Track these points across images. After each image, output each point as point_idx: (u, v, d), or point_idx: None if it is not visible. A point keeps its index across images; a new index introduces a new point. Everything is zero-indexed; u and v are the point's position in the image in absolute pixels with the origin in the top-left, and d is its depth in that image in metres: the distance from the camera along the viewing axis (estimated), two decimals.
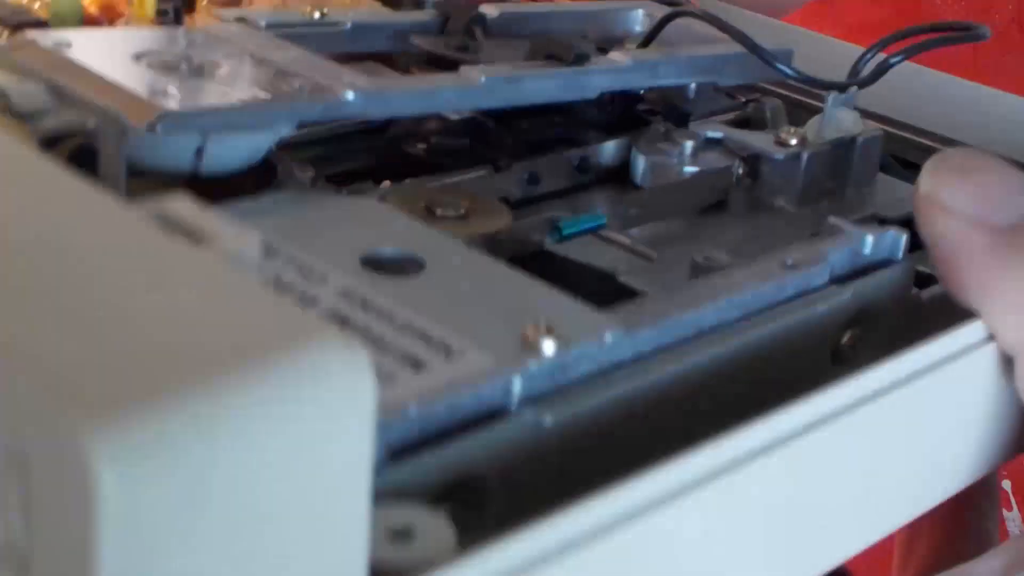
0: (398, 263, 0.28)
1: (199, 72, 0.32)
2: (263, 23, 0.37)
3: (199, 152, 0.30)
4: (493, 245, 0.32)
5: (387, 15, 0.43)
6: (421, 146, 0.39)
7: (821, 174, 0.39)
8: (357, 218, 0.30)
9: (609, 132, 0.41)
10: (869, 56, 0.41)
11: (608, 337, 0.26)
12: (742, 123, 0.43)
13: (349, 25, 0.40)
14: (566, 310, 0.27)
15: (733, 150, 0.40)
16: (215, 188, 0.29)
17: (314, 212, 0.30)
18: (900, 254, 0.33)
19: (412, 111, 0.36)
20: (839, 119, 0.40)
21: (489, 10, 0.42)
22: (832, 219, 0.33)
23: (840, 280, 0.32)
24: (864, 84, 0.41)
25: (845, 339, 0.32)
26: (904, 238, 0.33)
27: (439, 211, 0.32)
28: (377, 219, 0.30)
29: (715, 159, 0.40)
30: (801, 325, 0.30)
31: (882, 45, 0.41)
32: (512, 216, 0.34)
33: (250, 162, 0.31)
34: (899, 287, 0.33)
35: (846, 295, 0.31)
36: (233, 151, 0.31)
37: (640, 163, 0.39)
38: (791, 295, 0.31)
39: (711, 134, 0.40)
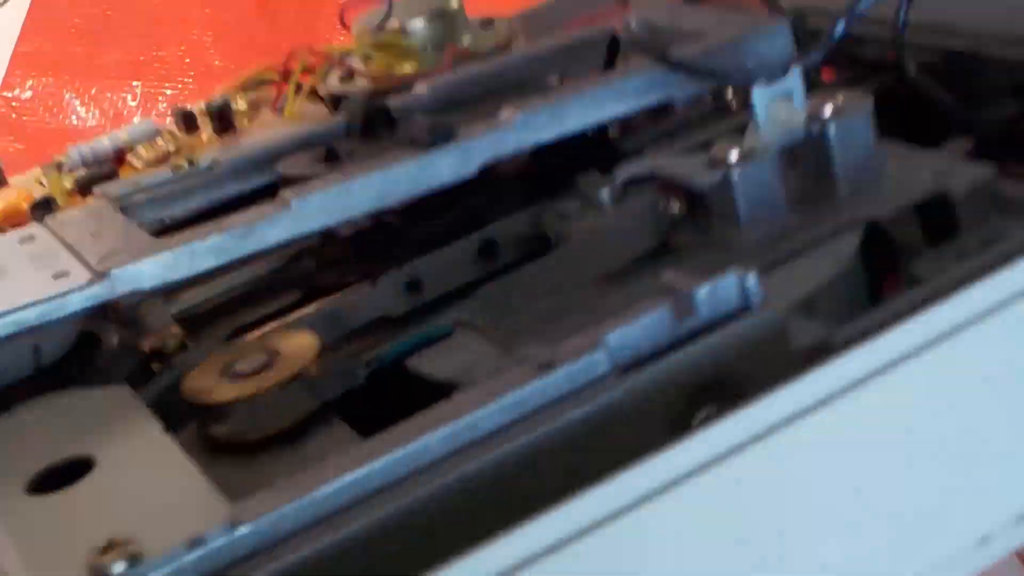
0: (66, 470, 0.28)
1: None
2: (116, 194, 0.38)
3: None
4: (303, 389, 0.31)
5: (264, 144, 0.43)
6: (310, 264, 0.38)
7: (771, 189, 0.33)
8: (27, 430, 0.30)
9: (529, 199, 0.38)
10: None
11: (213, 537, 0.24)
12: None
13: (221, 169, 0.40)
14: (187, 506, 0.26)
15: (665, 186, 0.34)
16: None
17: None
18: (752, 300, 0.27)
19: (175, 276, 0.34)
20: (778, 116, 0.33)
21: (398, 98, 0.40)
22: (665, 275, 0.28)
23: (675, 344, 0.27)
24: (811, 61, 0.34)
25: (699, 418, 0.27)
26: (752, 278, 0.27)
27: (238, 367, 0.31)
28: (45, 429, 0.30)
29: (640, 203, 0.35)
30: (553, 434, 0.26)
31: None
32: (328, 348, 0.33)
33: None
34: (760, 340, 0.27)
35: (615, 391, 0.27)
36: None
37: (552, 234, 0.36)
38: (551, 399, 0.27)
39: (631, 174, 0.35)
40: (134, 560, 0.23)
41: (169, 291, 0.38)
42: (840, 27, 0.34)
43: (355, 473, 0.25)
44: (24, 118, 1.07)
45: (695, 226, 0.33)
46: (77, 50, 1.01)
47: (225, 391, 0.31)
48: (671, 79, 0.35)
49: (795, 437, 0.25)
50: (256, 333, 0.35)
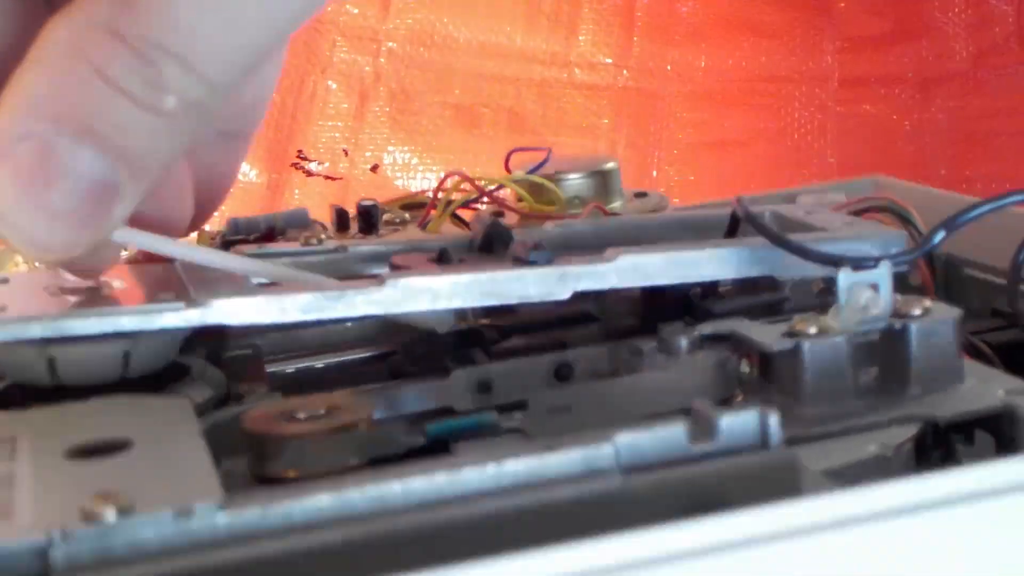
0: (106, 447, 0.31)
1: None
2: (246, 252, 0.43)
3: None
4: (353, 441, 0.32)
5: (389, 242, 0.46)
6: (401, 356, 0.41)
7: (838, 369, 0.34)
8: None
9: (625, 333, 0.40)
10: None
11: (201, 512, 0.26)
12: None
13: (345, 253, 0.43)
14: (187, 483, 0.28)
15: (740, 346, 0.36)
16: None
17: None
18: (773, 440, 0.28)
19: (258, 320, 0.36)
20: (858, 301, 0.35)
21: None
22: (696, 403, 0.29)
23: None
24: (901, 259, 0.36)
25: None
26: (774, 418, 0.28)
27: (299, 415, 0.33)
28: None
29: (711, 357, 0.36)
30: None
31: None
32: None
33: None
34: (770, 477, 0.28)
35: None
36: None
37: (623, 366, 0.38)
38: (544, 476, 0.28)
39: (713, 330, 0.37)
40: (124, 511, 0.26)
41: (274, 358, 0.42)
42: (939, 236, 0.36)
43: (337, 496, 0.27)
44: None
45: (762, 391, 0.35)
46: None
47: (279, 428, 0.33)
48: (766, 256, 0.38)
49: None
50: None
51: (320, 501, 0.27)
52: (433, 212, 0.51)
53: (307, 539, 0.26)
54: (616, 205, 0.53)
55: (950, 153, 1.12)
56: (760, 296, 0.41)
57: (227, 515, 0.26)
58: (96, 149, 0.33)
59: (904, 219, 0.44)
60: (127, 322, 0.35)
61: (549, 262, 0.37)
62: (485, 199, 0.52)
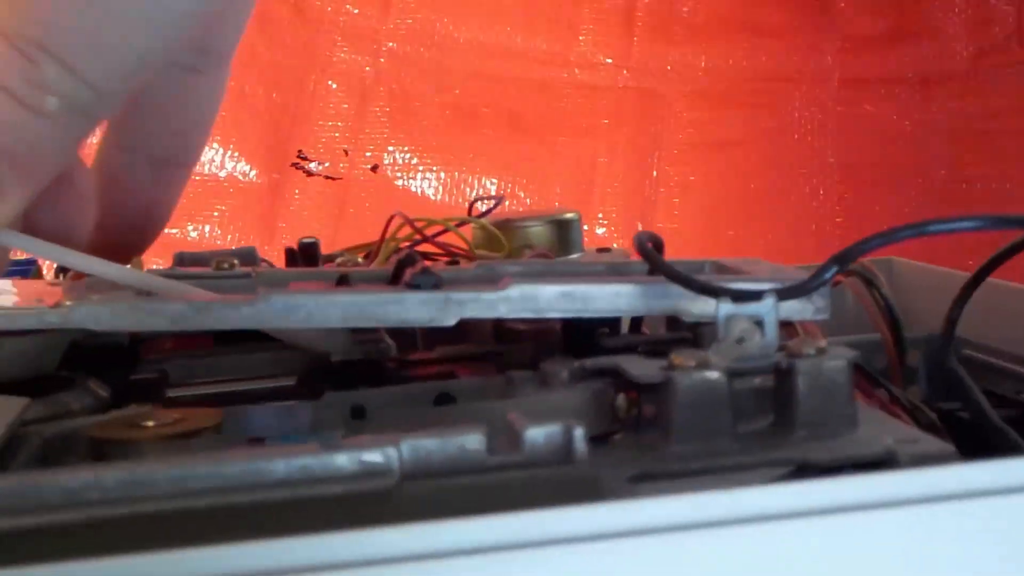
0: None
1: None
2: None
3: None
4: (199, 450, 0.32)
5: (300, 272, 0.45)
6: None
7: (713, 405, 0.32)
8: None
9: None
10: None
11: None
12: None
13: (253, 279, 0.42)
14: None
15: (619, 380, 0.34)
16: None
17: None
18: (578, 455, 0.28)
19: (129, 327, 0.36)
20: (733, 334, 0.33)
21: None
22: (512, 413, 0.29)
23: None
24: (790, 293, 0.34)
25: None
26: (580, 432, 0.28)
27: (148, 423, 0.33)
28: None
29: (587, 389, 0.35)
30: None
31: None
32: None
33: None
34: (568, 491, 0.27)
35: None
36: None
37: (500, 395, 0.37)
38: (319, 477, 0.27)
39: (595, 364, 0.35)
40: None
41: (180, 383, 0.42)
42: (830, 271, 0.34)
43: (90, 477, 0.27)
44: None
45: (635, 426, 0.33)
46: None
47: (122, 433, 0.33)
48: (659, 292, 0.36)
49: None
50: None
51: (75, 480, 0.26)
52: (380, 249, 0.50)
53: (56, 517, 0.26)
54: (574, 257, 0.51)
55: (950, 153, 1.12)
56: (659, 335, 0.39)
57: None
58: None
59: (868, 282, 0.41)
60: None
61: (435, 287, 0.36)
62: (432, 241, 0.50)
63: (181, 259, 0.48)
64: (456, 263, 0.47)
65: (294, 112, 1.16)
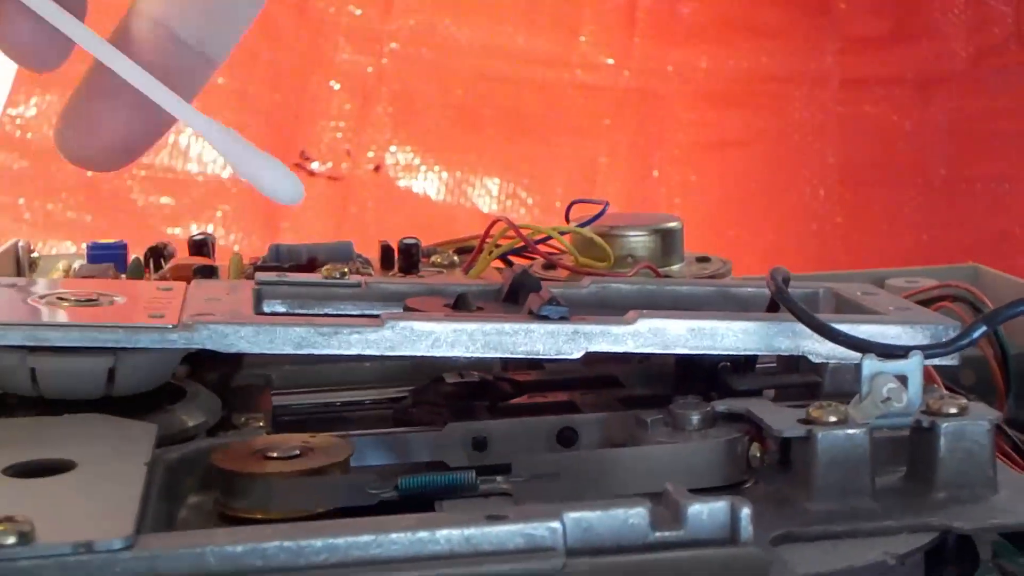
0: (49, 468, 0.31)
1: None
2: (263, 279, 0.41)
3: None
4: (323, 487, 0.32)
5: (413, 284, 0.44)
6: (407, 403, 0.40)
7: (854, 464, 0.32)
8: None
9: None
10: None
11: (101, 549, 0.26)
12: None
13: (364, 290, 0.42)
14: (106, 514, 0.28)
15: (752, 428, 0.34)
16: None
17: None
18: (743, 535, 0.27)
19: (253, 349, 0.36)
20: (880, 392, 0.32)
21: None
22: (669, 484, 0.28)
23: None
24: (935, 352, 0.33)
25: None
26: (746, 511, 0.27)
27: (272, 454, 0.33)
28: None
29: (720, 436, 0.34)
30: None
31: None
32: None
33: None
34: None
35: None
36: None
37: (628, 437, 0.36)
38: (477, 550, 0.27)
39: (728, 408, 0.35)
40: (24, 538, 0.26)
41: (284, 391, 0.42)
42: (978, 331, 0.34)
43: (252, 546, 0.26)
44: (28, 135, 1.08)
45: (776, 480, 0.33)
46: (81, 67, 1.01)
47: (248, 465, 0.32)
48: (793, 333, 0.36)
49: None
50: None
51: (234, 550, 0.26)
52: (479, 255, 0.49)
53: None
54: (675, 268, 0.51)
55: (950, 153, 1.13)
56: (789, 377, 0.38)
57: (130, 554, 0.26)
58: None
59: (977, 310, 0.42)
60: (108, 337, 0.34)
61: (563, 319, 0.35)
62: (536, 248, 0.50)
63: (277, 252, 0.47)
64: (552, 267, 0.47)
65: (296, 112, 1.15)
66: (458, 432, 0.37)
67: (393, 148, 1.15)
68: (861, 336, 0.34)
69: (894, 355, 0.33)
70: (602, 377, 0.41)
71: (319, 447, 0.33)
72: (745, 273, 0.54)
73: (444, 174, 1.15)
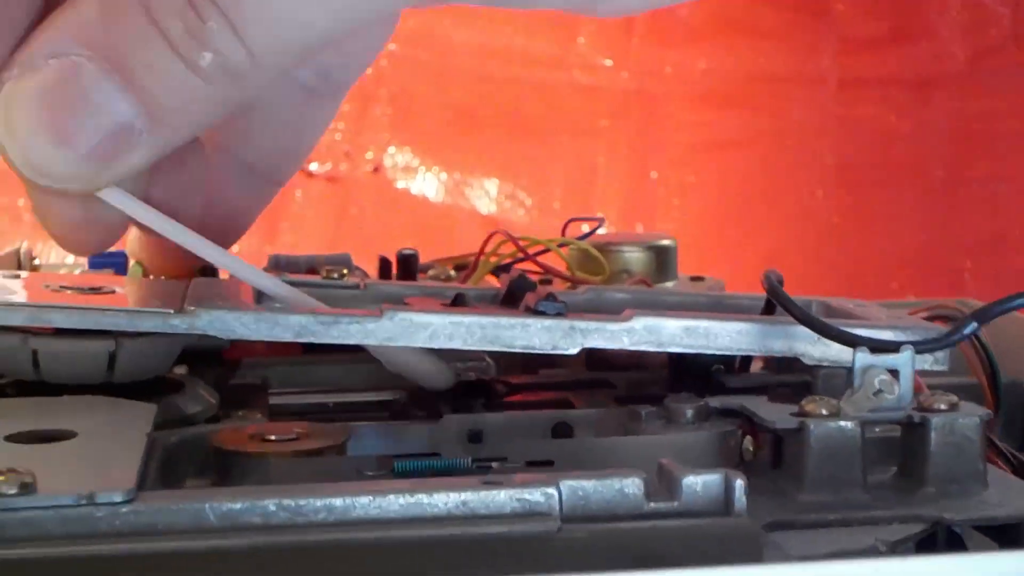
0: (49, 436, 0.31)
1: None
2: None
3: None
4: (319, 466, 0.32)
5: (412, 286, 0.44)
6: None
7: (846, 456, 0.32)
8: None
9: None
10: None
11: (103, 501, 0.26)
12: None
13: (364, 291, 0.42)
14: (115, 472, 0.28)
15: (746, 422, 0.35)
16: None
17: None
18: (737, 506, 0.27)
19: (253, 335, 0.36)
20: (871, 384, 0.33)
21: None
22: (662, 460, 0.29)
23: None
24: (926, 347, 0.34)
25: None
26: (740, 483, 0.28)
27: (270, 437, 0.34)
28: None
29: (713, 429, 0.35)
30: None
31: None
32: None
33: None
34: (727, 546, 0.27)
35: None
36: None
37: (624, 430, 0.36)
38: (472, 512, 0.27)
39: (721, 404, 0.36)
40: (25, 489, 0.26)
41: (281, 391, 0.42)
42: (969, 327, 0.34)
43: (247, 502, 0.27)
44: None
45: (766, 473, 0.33)
46: None
47: (246, 445, 0.33)
48: (787, 333, 0.36)
49: None
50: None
51: (234, 507, 0.27)
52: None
53: (213, 541, 0.26)
54: (668, 285, 0.51)
55: (948, 154, 1.13)
56: (783, 377, 0.38)
57: (131, 507, 0.26)
58: (122, 87, 0.32)
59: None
60: (110, 320, 0.34)
61: (559, 315, 0.35)
62: (533, 260, 0.50)
63: (277, 262, 0.48)
64: (549, 282, 0.47)
65: None
66: (454, 424, 0.37)
67: (392, 149, 1.15)
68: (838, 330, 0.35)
69: (886, 349, 0.33)
70: (596, 381, 0.42)
71: (317, 432, 0.34)
72: (740, 283, 0.54)
73: (443, 175, 1.15)
